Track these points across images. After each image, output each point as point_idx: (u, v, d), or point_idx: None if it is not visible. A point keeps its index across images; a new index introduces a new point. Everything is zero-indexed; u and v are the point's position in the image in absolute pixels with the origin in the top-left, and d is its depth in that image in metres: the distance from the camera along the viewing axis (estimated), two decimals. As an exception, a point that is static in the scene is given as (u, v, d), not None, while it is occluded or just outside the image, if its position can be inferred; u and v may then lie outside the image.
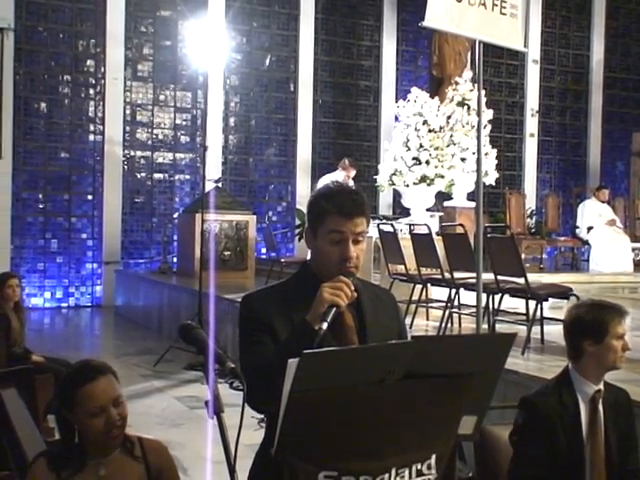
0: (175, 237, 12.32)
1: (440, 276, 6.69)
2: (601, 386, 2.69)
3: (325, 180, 9.81)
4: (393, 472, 1.76)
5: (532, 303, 5.91)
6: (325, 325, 1.91)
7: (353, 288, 1.99)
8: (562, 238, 11.98)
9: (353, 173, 10.01)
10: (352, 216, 2.07)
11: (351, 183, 9.27)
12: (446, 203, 10.46)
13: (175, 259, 12.02)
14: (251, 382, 1.89)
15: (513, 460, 2.69)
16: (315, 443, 1.69)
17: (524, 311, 6.15)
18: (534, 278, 6.91)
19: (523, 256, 10.48)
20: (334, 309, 1.94)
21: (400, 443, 1.75)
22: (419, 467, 1.80)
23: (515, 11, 4.90)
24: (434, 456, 1.83)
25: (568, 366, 2.74)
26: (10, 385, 3.61)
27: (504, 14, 4.86)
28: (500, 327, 6.17)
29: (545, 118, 15.44)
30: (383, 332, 2.09)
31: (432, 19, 4.40)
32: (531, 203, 13.97)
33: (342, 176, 9.83)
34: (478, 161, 4.49)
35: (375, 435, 1.72)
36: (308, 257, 2.23)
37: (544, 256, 11.21)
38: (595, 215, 11.08)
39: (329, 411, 1.66)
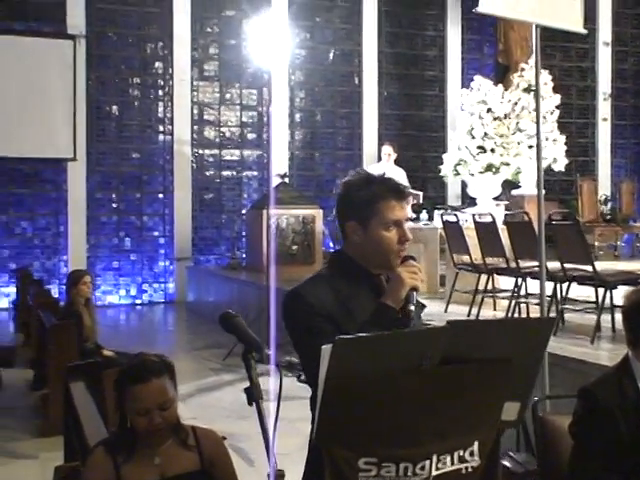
0: (244, 233, 12.47)
1: (505, 265, 6.59)
2: (662, 374, 2.61)
3: (371, 169, 10.01)
4: (434, 458, 1.75)
5: (602, 291, 5.76)
6: (413, 307, 1.98)
7: (423, 272, 2.06)
8: (638, 224, 11.63)
9: (393, 154, 10.21)
10: (405, 196, 2.13)
11: (394, 167, 9.62)
12: (514, 191, 10.27)
13: (244, 254, 12.17)
14: None
15: (574, 451, 2.63)
16: (354, 429, 1.69)
17: (594, 299, 6.00)
18: (608, 266, 6.74)
19: (597, 244, 10.27)
20: (415, 292, 2.01)
21: (440, 429, 1.74)
22: (461, 454, 1.79)
23: (574, -8, 4.76)
24: (476, 443, 1.81)
25: (628, 354, 2.67)
26: (79, 379, 3.72)
27: (563, -5, 4.73)
28: (569, 316, 6.04)
29: (618, 101, 14.97)
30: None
31: (486, 4, 4.30)
32: (605, 189, 13.59)
33: (384, 160, 10.11)
34: (538, 146, 4.39)
35: (414, 421, 1.71)
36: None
37: (620, 243, 10.90)
38: (672, 200, 10.73)
39: (366, 397, 1.66)
